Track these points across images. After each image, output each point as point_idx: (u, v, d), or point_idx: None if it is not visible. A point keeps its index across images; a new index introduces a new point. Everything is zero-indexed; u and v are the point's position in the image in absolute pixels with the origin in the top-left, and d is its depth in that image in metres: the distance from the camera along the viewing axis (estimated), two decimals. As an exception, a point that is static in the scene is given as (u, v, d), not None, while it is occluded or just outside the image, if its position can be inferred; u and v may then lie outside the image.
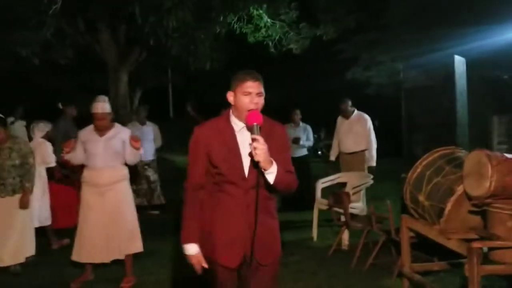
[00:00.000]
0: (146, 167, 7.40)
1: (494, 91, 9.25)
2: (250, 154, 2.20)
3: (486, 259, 3.06)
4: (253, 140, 2.16)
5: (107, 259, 4.26)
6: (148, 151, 7.11)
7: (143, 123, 7.42)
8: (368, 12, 9.69)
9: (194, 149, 2.39)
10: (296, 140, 7.47)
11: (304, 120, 7.97)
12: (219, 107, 4.77)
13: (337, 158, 6.77)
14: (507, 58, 8.20)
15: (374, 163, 6.26)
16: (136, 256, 4.41)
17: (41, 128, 5.51)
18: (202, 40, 7.61)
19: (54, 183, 5.88)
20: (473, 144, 4.61)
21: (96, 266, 4.39)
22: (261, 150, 2.14)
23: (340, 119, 6.63)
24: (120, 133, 4.30)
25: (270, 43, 8.84)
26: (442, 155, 3.66)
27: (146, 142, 6.90)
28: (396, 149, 12.35)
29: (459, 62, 4.79)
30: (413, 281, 3.75)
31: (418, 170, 3.67)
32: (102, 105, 4.21)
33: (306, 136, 7.82)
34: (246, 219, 2.30)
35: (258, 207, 2.22)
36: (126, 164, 4.38)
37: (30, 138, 5.61)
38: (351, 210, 5.18)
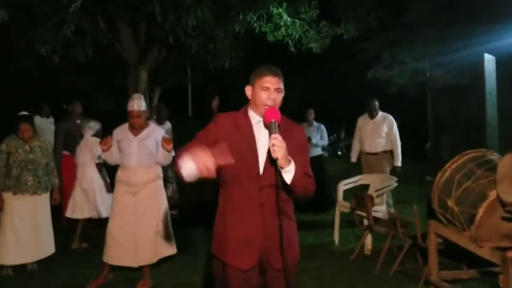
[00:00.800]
0: None
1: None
2: (268, 151, 2.11)
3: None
4: (271, 136, 2.08)
5: (135, 263, 4.17)
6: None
7: (161, 123, 7.31)
8: (389, 11, 9.49)
9: (208, 129, 2.32)
10: (307, 139, 7.36)
11: (324, 119, 7.88)
12: (238, 107, 4.68)
13: (358, 159, 6.65)
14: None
15: (399, 163, 6.23)
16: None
17: (92, 127, 5.70)
18: (221, 38, 7.56)
19: None
20: (502, 147, 4.41)
21: (113, 267, 4.31)
22: (280, 146, 2.05)
23: (362, 119, 6.50)
24: (154, 133, 4.26)
25: (290, 42, 8.72)
26: (472, 158, 3.50)
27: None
28: (417, 150, 12.18)
29: (489, 61, 4.59)
30: (440, 289, 3.60)
31: (447, 173, 3.53)
32: (138, 103, 4.16)
33: (320, 135, 7.72)
34: (259, 218, 2.21)
35: (278, 208, 2.12)
36: None
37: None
38: (374, 214, 5.04)
